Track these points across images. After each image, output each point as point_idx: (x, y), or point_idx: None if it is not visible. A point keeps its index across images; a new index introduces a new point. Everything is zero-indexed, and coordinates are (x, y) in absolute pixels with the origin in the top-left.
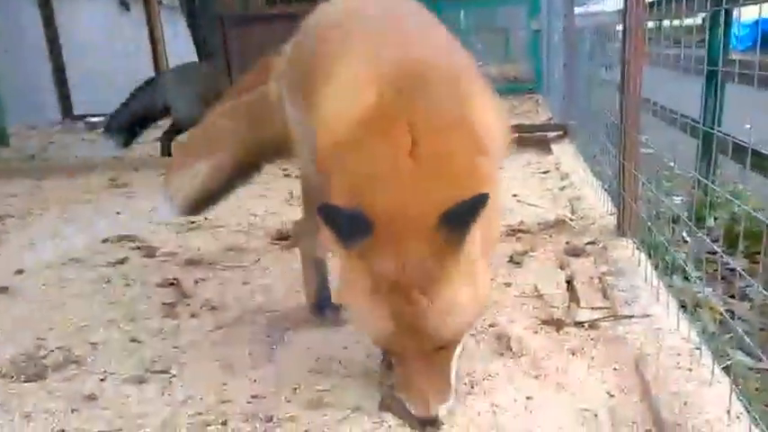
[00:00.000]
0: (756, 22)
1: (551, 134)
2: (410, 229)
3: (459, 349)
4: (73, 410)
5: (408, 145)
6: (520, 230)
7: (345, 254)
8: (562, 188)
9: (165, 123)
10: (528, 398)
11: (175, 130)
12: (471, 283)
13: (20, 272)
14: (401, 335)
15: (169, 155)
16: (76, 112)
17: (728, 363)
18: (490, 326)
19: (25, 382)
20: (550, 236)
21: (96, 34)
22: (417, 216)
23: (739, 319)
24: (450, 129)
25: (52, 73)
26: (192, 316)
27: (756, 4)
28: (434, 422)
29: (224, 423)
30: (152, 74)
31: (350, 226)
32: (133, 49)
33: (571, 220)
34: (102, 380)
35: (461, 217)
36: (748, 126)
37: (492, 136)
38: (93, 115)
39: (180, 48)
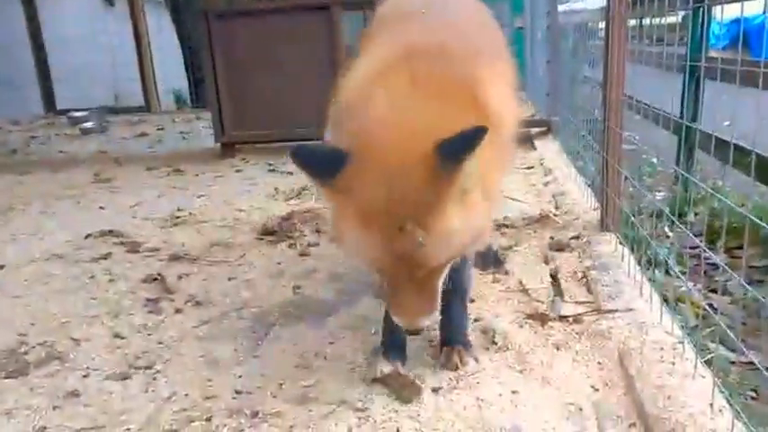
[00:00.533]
0: (735, 21)
1: (535, 130)
2: (401, 158)
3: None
4: (55, 407)
5: (407, 88)
6: (504, 225)
7: (328, 191)
8: (546, 184)
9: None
10: (513, 392)
11: None
12: (465, 214)
13: (1, 267)
14: (392, 262)
15: None
16: (60, 106)
17: (710, 357)
18: (475, 320)
19: (6, 378)
20: (535, 231)
21: (80, 29)
22: (410, 146)
23: (720, 313)
24: (454, 90)
25: (35, 67)
26: (177, 311)
27: (737, 2)
28: (418, 332)
29: (209, 419)
30: (136, 69)
31: (322, 161)
32: (117, 44)
33: (555, 215)
34: (84, 376)
35: (458, 148)
36: (727, 123)
37: (499, 118)
38: (77, 110)
39: (164, 43)
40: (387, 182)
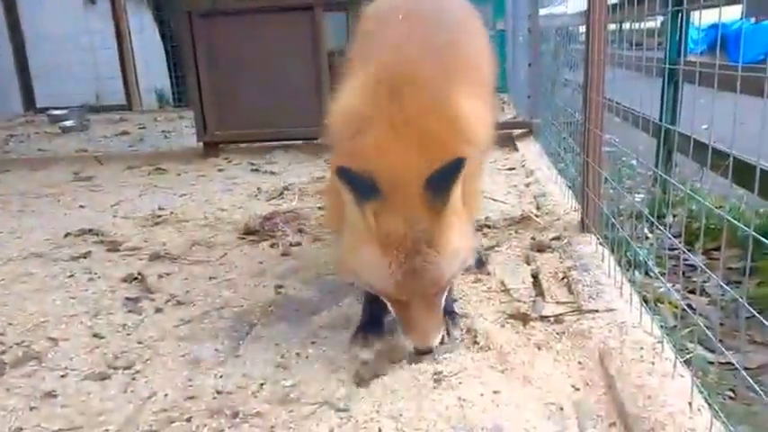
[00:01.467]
0: (713, 26)
1: (517, 132)
2: (408, 191)
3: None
4: (32, 408)
5: (398, 124)
6: (486, 226)
7: (358, 211)
8: (527, 185)
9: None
10: (495, 392)
11: None
12: (460, 231)
13: None
14: (407, 283)
15: None
16: (40, 104)
17: (689, 356)
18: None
19: None
20: (516, 231)
21: (61, 27)
22: (411, 181)
23: (699, 314)
24: (432, 114)
25: (15, 65)
26: (157, 311)
27: (714, 7)
28: (431, 350)
29: (189, 419)
30: (117, 67)
31: (365, 186)
32: (99, 43)
33: (536, 216)
34: (62, 376)
35: (443, 181)
36: (705, 127)
37: (475, 135)
38: (56, 108)
39: (146, 41)
40: (403, 213)
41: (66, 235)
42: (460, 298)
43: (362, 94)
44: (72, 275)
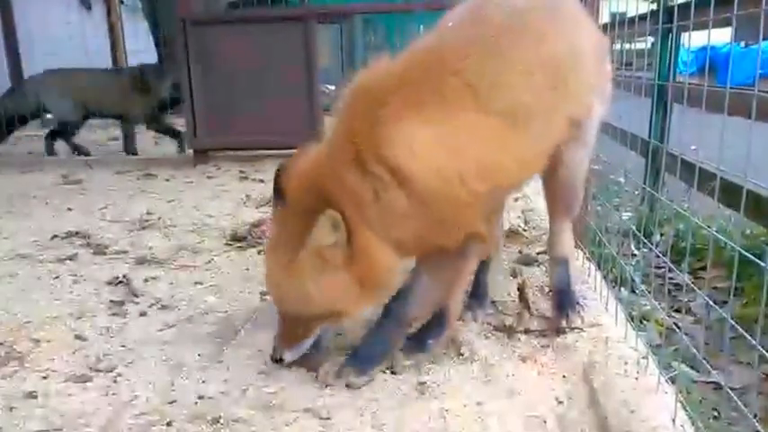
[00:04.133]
0: (702, 49)
1: None
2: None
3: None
4: (11, 408)
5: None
6: None
7: None
8: (516, 199)
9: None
10: (478, 403)
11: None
12: (320, 279)
13: None
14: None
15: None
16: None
17: (673, 374)
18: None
19: None
20: (504, 245)
21: (56, 32)
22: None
23: (684, 333)
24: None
25: (8, 69)
26: (141, 315)
27: (703, 29)
28: (280, 361)
29: (169, 424)
30: None
31: (276, 189)
32: (93, 48)
33: (524, 230)
34: (44, 377)
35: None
36: (694, 147)
37: (408, 174)
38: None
39: (140, 48)
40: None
41: (53, 237)
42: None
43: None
44: (57, 277)
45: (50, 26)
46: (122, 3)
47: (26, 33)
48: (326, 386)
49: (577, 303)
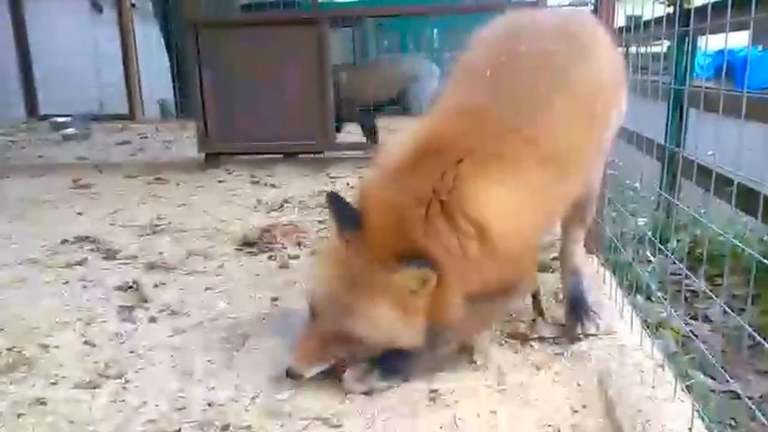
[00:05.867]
0: (719, 52)
1: None
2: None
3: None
4: (19, 415)
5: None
6: None
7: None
8: None
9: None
10: (491, 412)
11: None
12: (392, 313)
13: None
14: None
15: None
16: (42, 111)
17: (690, 383)
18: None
19: None
20: None
21: (67, 35)
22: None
23: (702, 341)
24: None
25: (19, 72)
26: (151, 320)
27: (720, 32)
28: (293, 375)
29: (178, 431)
30: (122, 77)
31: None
32: (104, 52)
33: None
34: (52, 384)
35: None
36: (711, 153)
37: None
38: (59, 115)
39: (151, 52)
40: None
41: (63, 242)
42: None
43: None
44: (67, 282)
45: (61, 30)
46: (133, 6)
47: (37, 39)
48: (347, 394)
49: (591, 311)
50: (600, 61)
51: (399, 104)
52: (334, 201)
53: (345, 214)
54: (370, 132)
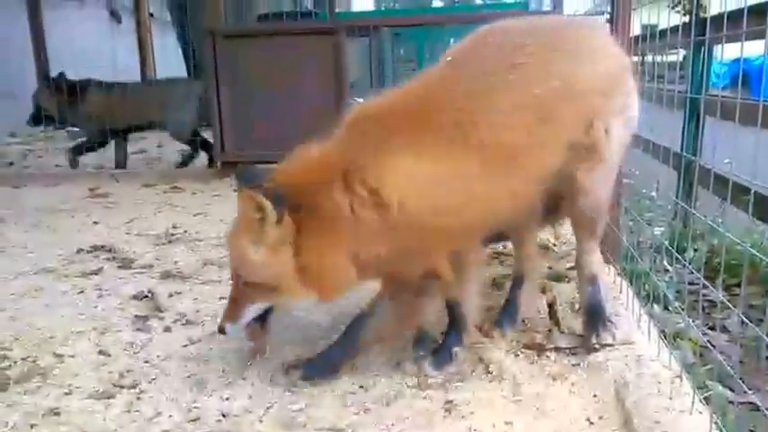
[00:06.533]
0: (735, 61)
1: None
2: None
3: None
4: (33, 425)
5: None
6: (503, 254)
7: None
8: None
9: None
10: (507, 423)
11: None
12: (265, 254)
13: None
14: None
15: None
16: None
17: (708, 394)
18: (470, 348)
19: None
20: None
21: (86, 45)
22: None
23: (720, 352)
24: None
25: (37, 80)
26: (165, 330)
27: (736, 41)
28: (222, 330)
29: None
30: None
31: None
32: (122, 61)
33: (554, 245)
34: (66, 393)
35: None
36: (727, 161)
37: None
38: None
39: (169, 60)
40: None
41: (79, 251)
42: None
43: None
44: (82, 292)
45: (80, 39)
46: (152, 16)
47: (56, 47)
48: (350, 405)
49: (609, 321)
50: (577, 66)
51: (160, 128)
52: (240, 169)
53: (246, 173)
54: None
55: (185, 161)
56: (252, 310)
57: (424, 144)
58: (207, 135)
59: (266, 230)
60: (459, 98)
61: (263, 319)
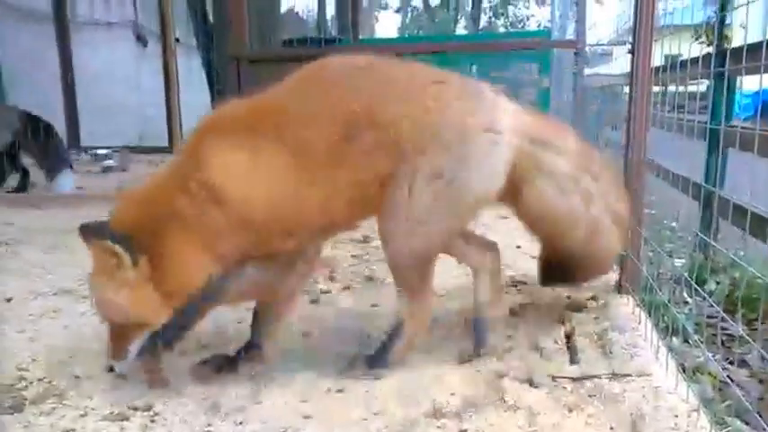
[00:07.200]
0: (757, 93)
1: None
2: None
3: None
4: None
5: None
6: (521, 282)
7: None
8: None
9: None
10: None
11: None
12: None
13: (8, 300)
14: None
15: None
16: (84, 143)
17: (726, 430)
18: (485, 376)
19: (1, 414)
20: (552, 289)
21: (112, 68)
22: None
23: (737, 386)
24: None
25: (64, 103)
26: (181, 353)
27: (756, 73)
28: (111, 369)
29: None
30: (163, 109)
31: None
32: (147, 84)
33: None
34: (82, 415)
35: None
36: (749, 193)
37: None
38: (100, 147)
39: (194, 84)
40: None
41: None
42: (489, 353)
43: None
44: None
45: (106, 62)
46: (177, 41)
47: (82, 68)
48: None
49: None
50: (386, 103)
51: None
52: (83, 227)
53: (89, 227)
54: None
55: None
56: (135, 345)
57: (248, 142)
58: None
59: (125, 275)
60: (281, 109)
61: (151, 351)
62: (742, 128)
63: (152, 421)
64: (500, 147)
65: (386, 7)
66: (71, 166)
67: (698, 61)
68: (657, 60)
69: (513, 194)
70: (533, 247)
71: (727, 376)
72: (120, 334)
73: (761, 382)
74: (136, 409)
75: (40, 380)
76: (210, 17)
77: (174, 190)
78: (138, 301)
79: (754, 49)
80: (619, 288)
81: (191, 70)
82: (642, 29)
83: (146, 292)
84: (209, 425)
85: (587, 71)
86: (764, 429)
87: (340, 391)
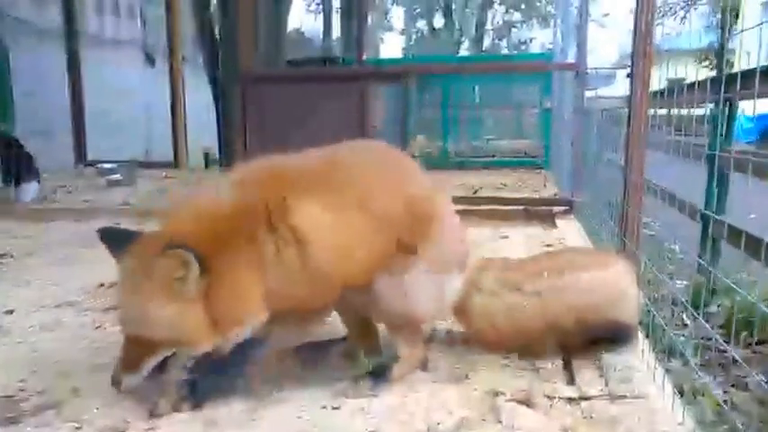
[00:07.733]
0: (761, 117)
1: (557, 209)
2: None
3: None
4: None
5: None
6: None
7: None
8: None
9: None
10: None
11: None
12: (171, 308)
13: (10, 312)
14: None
15: None
16: (91, 158)
17: None
18: (481, 395)
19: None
20: None
21: (120, 85)
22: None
23: (736, 410)
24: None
25: (71, 119)
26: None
27: (760, 98)
28: (117, 384)
29: None
30: (169, 126)
31: None
32: (154, 101)
33: None
34: (77, 428)
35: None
36: (753, 216)
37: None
38: (106, 161)
39: (200, 102)
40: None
41: (101, 285)
42: (485, 374)
43: None
44: (101, 326)
45: (115, 78)
46: (184, 59)
47: (91, 84)
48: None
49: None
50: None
51: None
52: (104, 231)
53: (114, 237)
54: None
55: None
56: (151, 362)
57: (327, 196)
58: None
59: (185, 287)
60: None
61: (161, 368)
62: (736, 152)
63: None
64: None
65: (390, 29)
66: (38, 181)
67: (695, 85)
68: (659, 84)
69: None
70: None
71: (729, 399)
72: (139, 347)
73: (762, 404)
74: (133, 423)
75: (38, 392)
76: (218, 36)
77: (250, 220)
78: (188, 317)
79: (750, 74)
80: None
81: (197, 88)
82: (639, 53)
83: (198, 310)
84: None
85: (588, 93)
86: None
87: (336, 408)
